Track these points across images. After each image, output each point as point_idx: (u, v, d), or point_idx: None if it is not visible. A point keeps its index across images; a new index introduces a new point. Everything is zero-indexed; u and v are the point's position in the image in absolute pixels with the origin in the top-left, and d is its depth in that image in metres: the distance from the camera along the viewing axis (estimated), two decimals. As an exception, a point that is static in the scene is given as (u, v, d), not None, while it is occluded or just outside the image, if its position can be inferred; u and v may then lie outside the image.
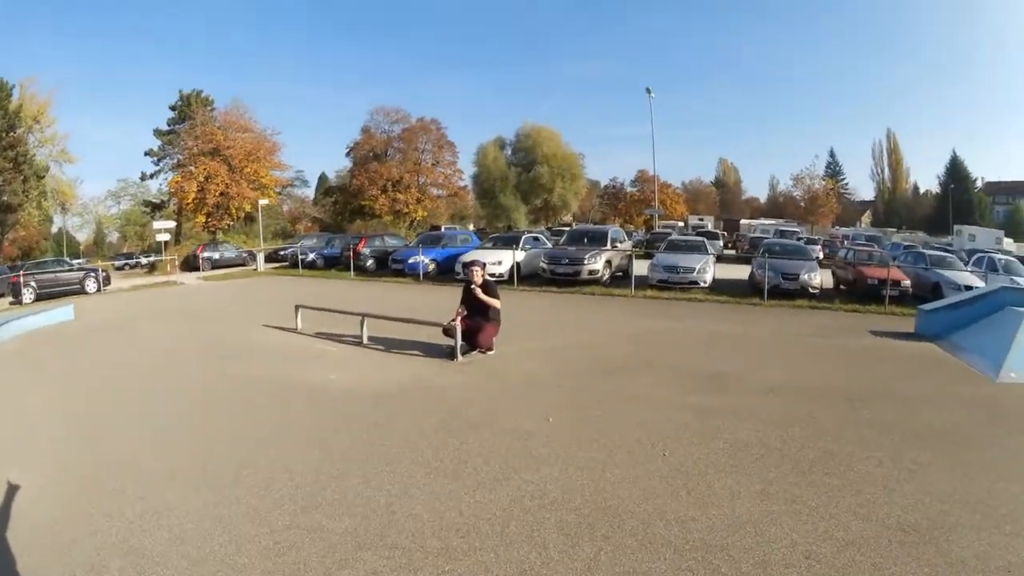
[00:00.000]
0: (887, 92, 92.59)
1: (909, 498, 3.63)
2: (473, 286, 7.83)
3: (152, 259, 28.31)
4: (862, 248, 18.46)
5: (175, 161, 38.01)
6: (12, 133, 33.94)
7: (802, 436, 4.75)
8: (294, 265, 23.85)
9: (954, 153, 64.23)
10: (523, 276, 16.66)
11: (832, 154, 69.32)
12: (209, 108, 39.36)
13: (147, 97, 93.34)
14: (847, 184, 67.71)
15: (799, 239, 24.61)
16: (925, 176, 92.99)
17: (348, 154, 46.08)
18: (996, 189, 63.55)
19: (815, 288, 13.52)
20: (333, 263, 23.13)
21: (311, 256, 24.02)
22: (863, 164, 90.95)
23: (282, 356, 8.00)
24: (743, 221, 49.91)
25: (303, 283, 19.15)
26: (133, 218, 51.17)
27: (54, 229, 48.80)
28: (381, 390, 6.28)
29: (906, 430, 4.87)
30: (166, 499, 3.84)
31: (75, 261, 27.39)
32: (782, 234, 28.08)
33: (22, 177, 33.71)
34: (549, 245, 19.50)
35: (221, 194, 34.17)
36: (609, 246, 16.74)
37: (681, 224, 45.76)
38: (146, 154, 40.08)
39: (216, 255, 27.32)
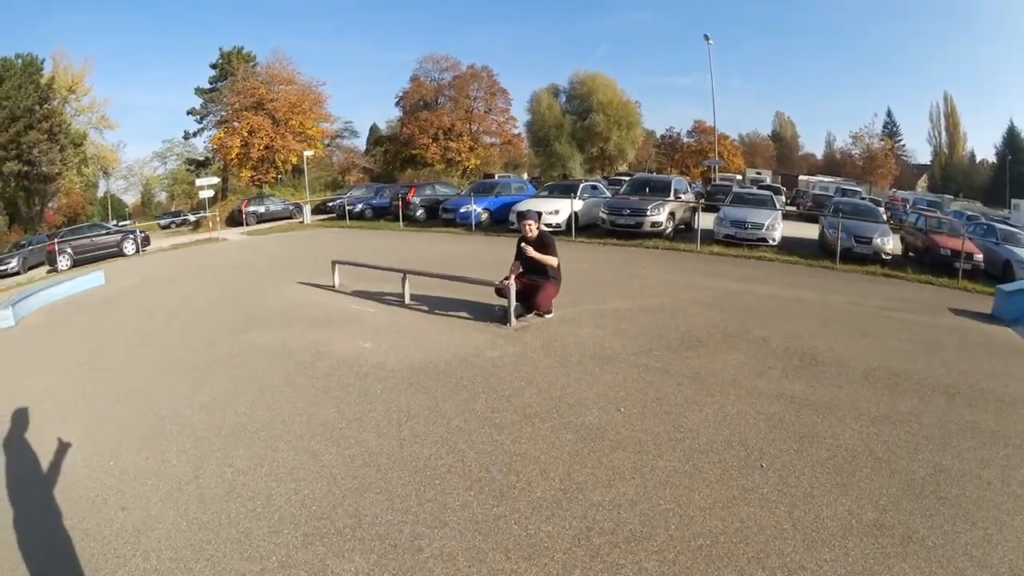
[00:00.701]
0: (943, 55, 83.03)
1: (1020, 535, 2.93)
2: (524, 244, 6.71)
3: (198, 216, 28.26)
4: (933, 215, 16.71)
5: (218, 118, 37.74)
6: (46, 105, 33.96)
7: (908, 442, 3.91)
8: (342, 217, 23.30)
9: (1011, 123, 58.08)
10: (581, 227, 15.60)
11: (889, 114, 63.42)
12: (251, 64, 38.66)
13: (190, 60, 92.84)
14: (904, 146, 62.69)
15: (862, 199, 22.31)
16: (981, 144, 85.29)
17: (398, 103, 44.73)
18: (1053, 163, 57.44)
19: (888, 254, 12.45)
20: (382, 213, 22.50)
21: (359, 207, 23.34)
22: (920, 127, 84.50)
23: (312, 320, 7.20)
24: (801, 177, 47.39)
25: (349, 235, 18.55)
26: (180, 177, 51.43)
27: (100, 194, 49.93)
28: (419, 364, 5.41)
29: (1008, 440, 3.99)
30: (149, 512, 3.15)
31: (121, 223, 27.64)
32: (843, 193, 25.63)
33: (59, 147, 33.84)
34: (608, 194, 18.10)
35: (266, 147, 33.84)
36: (672, 197, 15.34)
37: (739, 177, 43.50)
38: (188, 113, 40.16)
39: (261, 209, 26.99)
